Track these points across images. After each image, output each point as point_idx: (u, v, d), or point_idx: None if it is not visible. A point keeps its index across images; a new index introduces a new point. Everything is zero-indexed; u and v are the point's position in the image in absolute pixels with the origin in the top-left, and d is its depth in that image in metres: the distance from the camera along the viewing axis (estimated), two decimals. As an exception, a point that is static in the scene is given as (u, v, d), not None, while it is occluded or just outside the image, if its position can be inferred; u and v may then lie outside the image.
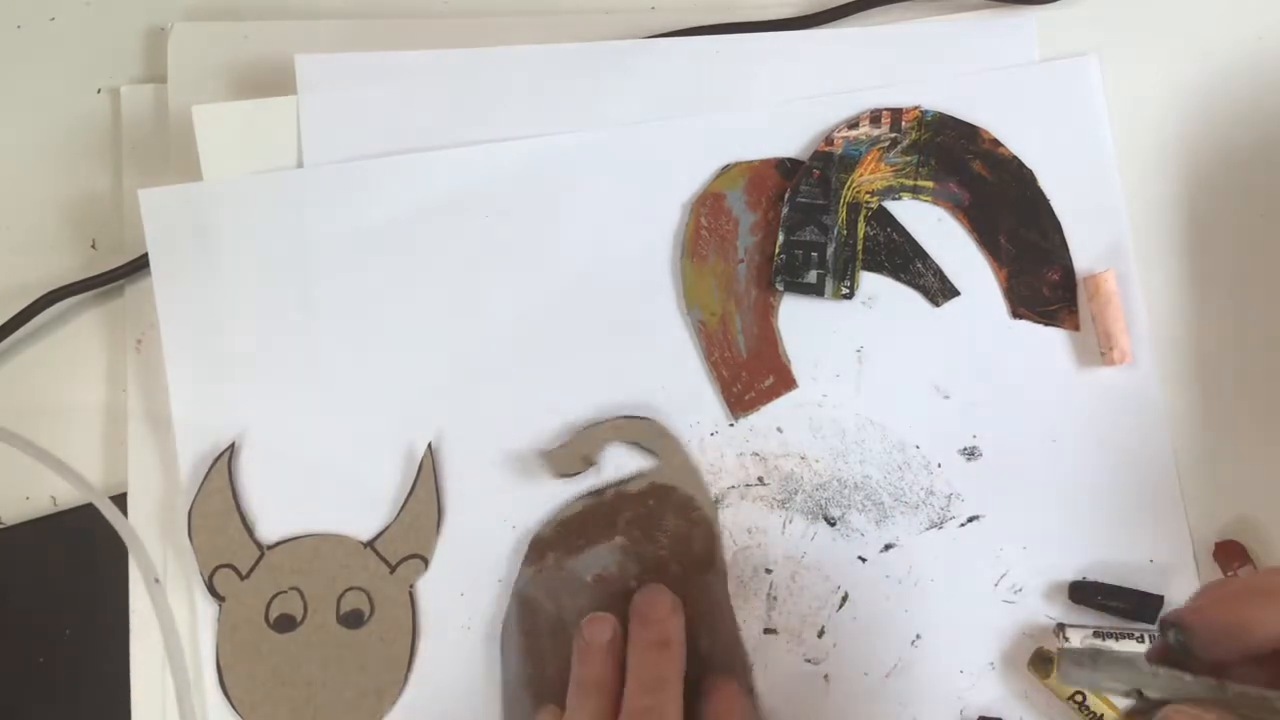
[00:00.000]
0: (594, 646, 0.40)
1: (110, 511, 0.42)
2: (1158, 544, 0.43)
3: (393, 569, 0.42)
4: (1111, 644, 0.41)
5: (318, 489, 0.43)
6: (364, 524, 0.43)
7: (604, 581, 0.42)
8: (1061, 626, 0.42)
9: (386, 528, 0.43)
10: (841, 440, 0.44)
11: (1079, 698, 0.40)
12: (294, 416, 0.43)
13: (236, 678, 0.42)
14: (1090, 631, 0.41)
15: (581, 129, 0.45)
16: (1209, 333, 0.45)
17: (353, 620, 0.42)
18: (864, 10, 0.47)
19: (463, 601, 0.43)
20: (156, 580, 0.42)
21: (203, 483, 0.42)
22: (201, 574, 0.42)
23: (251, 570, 0.42)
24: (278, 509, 0.43)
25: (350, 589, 0.42)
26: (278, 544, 0.42)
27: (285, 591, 0.42)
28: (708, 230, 0.45)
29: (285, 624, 0.42)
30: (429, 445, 0.43)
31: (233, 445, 0.43)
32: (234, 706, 0.42)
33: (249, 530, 0.42)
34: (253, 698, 0.42)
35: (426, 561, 0.42)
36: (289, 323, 0.44)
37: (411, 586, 0.42)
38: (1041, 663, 0.41)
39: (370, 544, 0.42)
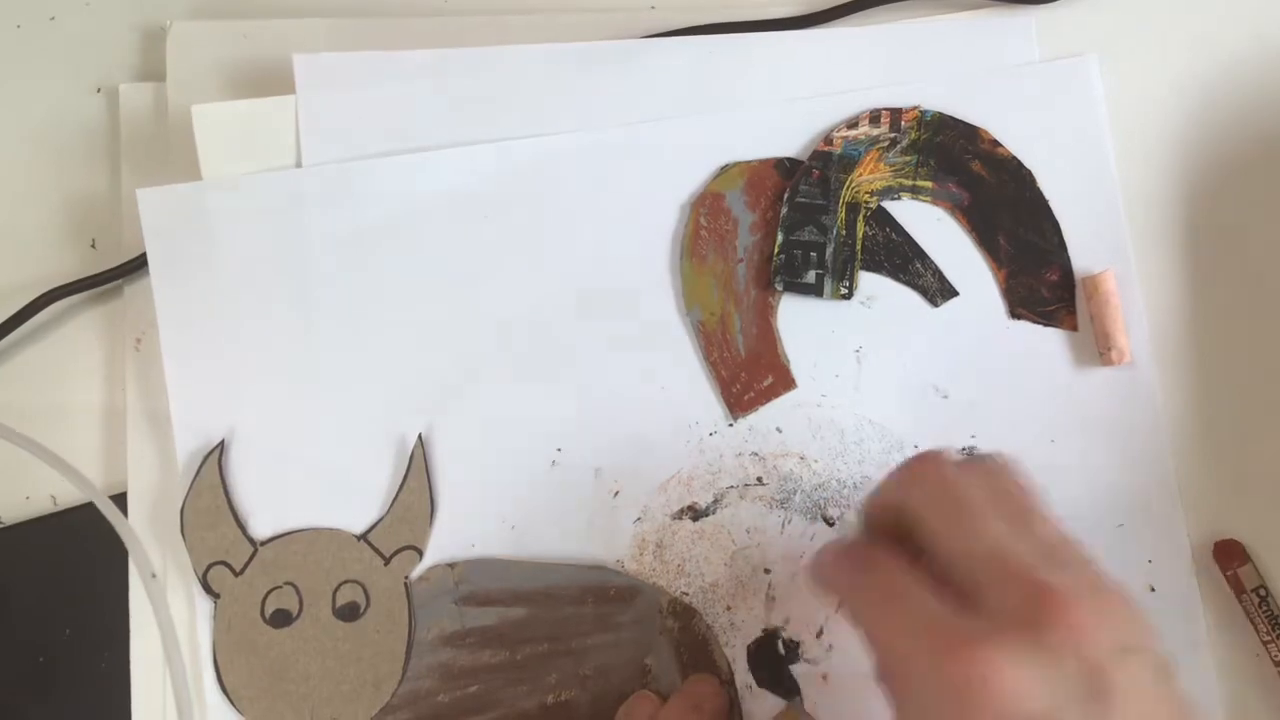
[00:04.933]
0: None
1: (110, 510, 0.42)
2: (1156, 543, 0.43)
3: (387, 561, 0.42)
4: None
5: (310, 484, 0.43)
6: (357, 517, 0.43)
7: None
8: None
9: (379, 520, 0.43)
10: (840, 440, 0.44)
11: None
12: (289, 413, 0.43)
13: (234, 674, 0.42)
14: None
15: (581, 129, 0.45)
16: (1208, 333, 0.45)
17: (348, 613, 0.42)
18: (863, 10, 0.47)
19: (459, 596, 0.43)
20: (154, 575, 0.42)
21: (193, 480, 0.42)
22: (195, 571, 0.42)
23: (245, 566, 0.42)
24: (271, 505, 0.43)
25: (345, 582, 0.42)
26: (271, 540, 0.42)
27: (280, 587, 0.42)
28: (707, 230, 0.45)
29: (281, 619, 0.42)
30: (419, 436, 0.43)
31: (222, 443, 0.43)
32: (233, 703, 0.41)
33: (241, 527, 0.42)
34: (251, 693, 0.41)
35: (420, 553, 0.42)
36: (287, 321, 0.44)
37: (406, 578, 0.42)
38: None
39: (363, 537, 0.42)
